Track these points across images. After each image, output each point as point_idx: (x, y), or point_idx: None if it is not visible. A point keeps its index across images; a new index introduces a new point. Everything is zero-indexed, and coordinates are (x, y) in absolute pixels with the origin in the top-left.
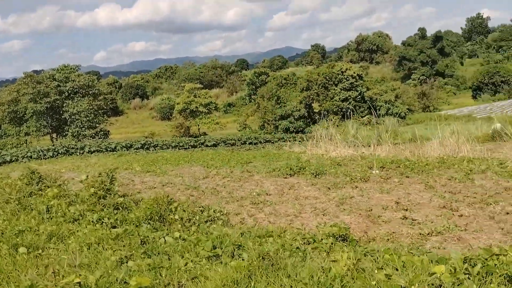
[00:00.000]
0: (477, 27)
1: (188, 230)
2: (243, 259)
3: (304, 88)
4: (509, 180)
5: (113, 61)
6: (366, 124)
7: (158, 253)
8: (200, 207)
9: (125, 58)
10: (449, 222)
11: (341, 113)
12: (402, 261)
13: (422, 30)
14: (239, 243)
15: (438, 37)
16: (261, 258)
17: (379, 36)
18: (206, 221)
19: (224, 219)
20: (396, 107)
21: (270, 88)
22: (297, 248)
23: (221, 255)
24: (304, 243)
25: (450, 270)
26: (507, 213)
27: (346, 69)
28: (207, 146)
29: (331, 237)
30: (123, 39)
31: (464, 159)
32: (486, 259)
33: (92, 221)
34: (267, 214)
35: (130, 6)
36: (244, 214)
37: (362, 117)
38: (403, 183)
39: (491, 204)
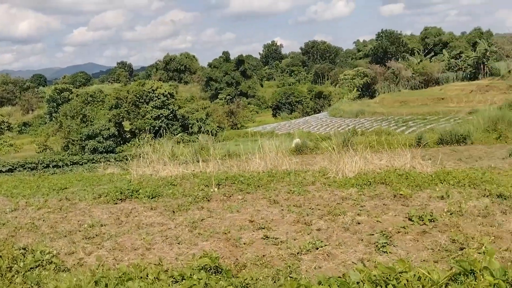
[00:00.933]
0: (272, 53)
1: (11, 282)
2: None
3: (113, 106)
4: (343, 190)
5: None
6: (179, 142)
7: None
8: (19, 249)
9: None
10: (313, 238)
11: (154, 131)
12: None
13: (226, 54)
14: None
15: (240, 61)
16: None
17: (186, 57)
18: (32, 268)
19: (57, 262)
20: (207, 124)
21: (74, 106)
22: None
23: None
24: (173, 282)
25: None
26: (359, 223)
27: (157, 87)
28: (0, 171)
29: (202, 271)
30: None
31: (289, 172)
32: (388, 278)
33: None
34: (109, 249)
35: None
36: (80, 253)
37: (175, 135)
38: (247, 199)
39: (339, 215)
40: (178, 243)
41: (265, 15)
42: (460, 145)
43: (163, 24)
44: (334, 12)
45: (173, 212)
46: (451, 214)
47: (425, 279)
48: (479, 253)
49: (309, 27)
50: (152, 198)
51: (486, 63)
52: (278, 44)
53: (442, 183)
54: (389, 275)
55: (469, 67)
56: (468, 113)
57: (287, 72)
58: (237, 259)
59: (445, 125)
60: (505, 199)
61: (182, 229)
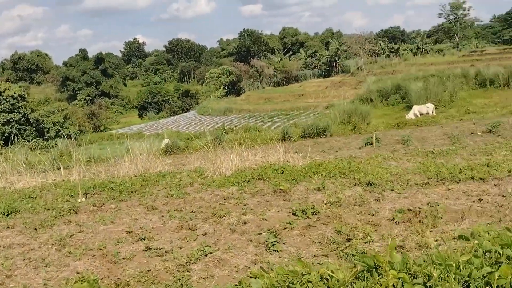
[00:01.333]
0: (135, 51)
1: None
2: None
3: None
4: (224, 190)
5: None
6: (34, 149)
7: None
8: None
9: None
10: (200, 244)
11: (3, 138)
12: None
13: (83, 51)
14: None
15: (100, 59)
16: None
17: (37, 55)
18: None
19: None
20: (66, 128)
21: None
22: None
23: None
24: None
25: None
26: (245, 223)
27: (5, 89)
28: None
29: None
30: None
31: (164, 174)
32: (292, 282)
33: None
34: None
35: None
36: None
37: (29, 141)
38: (121, 208)
39: (224, 216)
40: (45, 266)
41: (124, 11)
42: (321, 137)
43: (9, 20)
44: (196, 10)
45: (35, 229)
46: (330, 205)
47: (330, 279)
48: (365, 242)
49: (172, 25)
50: (7, 215)
51: (338, 61)
52: (141, 41)
53: (315, 175)
54: (291, 278)
55: (323, 65)
56: (325, 107)
57: (152, 70)
58: (118, 278)
59: (306, 120)
60: (374, 186)
61: (48, 248)
